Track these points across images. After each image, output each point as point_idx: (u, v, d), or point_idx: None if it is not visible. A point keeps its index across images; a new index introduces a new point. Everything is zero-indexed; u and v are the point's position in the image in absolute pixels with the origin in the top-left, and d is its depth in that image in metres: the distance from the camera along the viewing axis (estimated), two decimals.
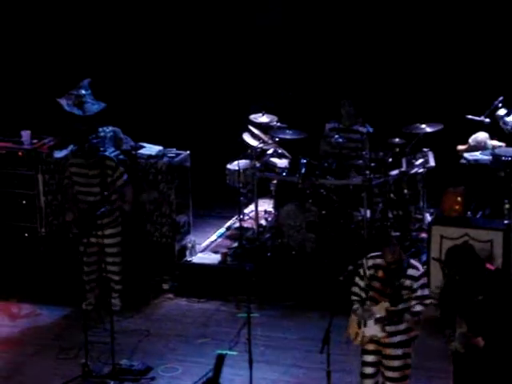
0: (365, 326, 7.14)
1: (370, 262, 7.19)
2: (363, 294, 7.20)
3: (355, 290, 7.26)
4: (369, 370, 7.24)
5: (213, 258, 10.14)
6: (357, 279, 7.26)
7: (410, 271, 7.07)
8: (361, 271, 7.23)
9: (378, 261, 7.16)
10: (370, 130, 10.36)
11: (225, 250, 10.20)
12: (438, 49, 11.29)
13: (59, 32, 12.18)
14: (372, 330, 7.12)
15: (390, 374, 7.19)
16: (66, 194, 9.52)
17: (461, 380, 7.06)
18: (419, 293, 7.04)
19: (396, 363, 7.15)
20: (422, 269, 7.16)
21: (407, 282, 7.06)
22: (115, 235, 9.29)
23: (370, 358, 7.22)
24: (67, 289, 9.58)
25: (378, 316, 7.07)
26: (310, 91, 11.57)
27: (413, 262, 7.18)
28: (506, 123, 9.99)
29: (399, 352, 7.13)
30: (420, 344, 7.98)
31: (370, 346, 7.20)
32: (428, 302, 7.09)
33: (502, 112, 9.98)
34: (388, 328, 7.08)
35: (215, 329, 9.08)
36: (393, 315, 7.03)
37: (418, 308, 7.04)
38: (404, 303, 7.06)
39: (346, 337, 7.30)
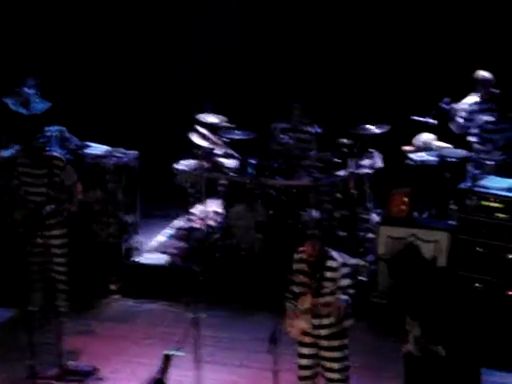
0: (297, 318, 7.20)
1: (297, 257, 7.29)
2: (296, 289, 7.26)
3: (292, 287, 7.30)
4: (304, 362, 7.31)
5: (160, 259, 10.10)
6: (294, 275, 7.32)
7: (329, 262, 7.12)
8: (293, 266, 7.31)
9: (302, 255, 7.25)
10: (318, 130, 10.41)
11: (172, 251, 10.16)
12: (384, 50, 11.38)
13: (2, 31, 12.02)
14: (300, 322, 7.19)
15: (328, 364, 7.25)
16: (14, 194, 9.40)
17: (412, 381, 7.12)
18: (340, 283, 7.08)
19: (333, 354, 7.21)
20: (340, 259, 7.16)
21: (328, 274, 7.11)
22: (62, 236, 9.19)
23: (305, 350, 7.28)
24: (12, 290, 9.46)
25: (303, 308, 7.13)
26: (258, 91, 11.58)
27: (333, 253, 7.20)
28: (456, 115, 10.00)
29: (335, 343, 7.19)
30: (368, 343, 8.07)
31: (306, 339, 7.26)
32: (351, 291, 7.10)
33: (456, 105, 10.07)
34: (319, 321, 7.13)
35: (163, 329, 9.05)
36: (317, 307, 7.07)
37: (344, 297, 7.06)
38: (328, 295, 7.09)
39: (284, 329, 7.32)
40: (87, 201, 9.57)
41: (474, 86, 10.00)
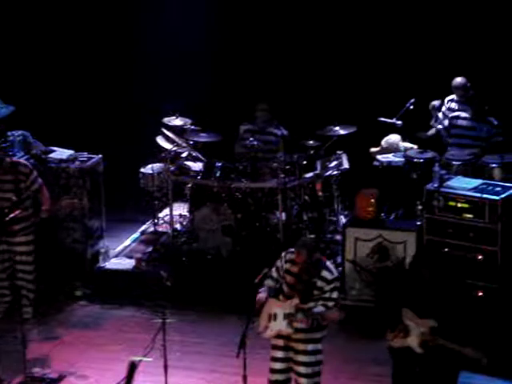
0: (274, 320, 7.16)
1: (288, 257, 7.27)
2: (271, 283, 7.26)
3: (267, 281, 7.30)
4: (277, 366, 7.29)
5: (127, 263, 10.02)
6: (272, 270, 7.31)
7: (324, 273, 7.16)
8: (278, 263, 7.29)
9: (295, 258, 7.22)
10: (285, 132, 10.38)
11: (139, 255, 10.08)
12: (351, 51, 11.38)
13: None
14: (279, 325, 7.15)
15: (300, 369, 7.24)
16: None
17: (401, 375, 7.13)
18: (327, 295, 7.13)
19: (306, 359, 7.20)
20: (336, 273, 7.25)
21: (319, 283, 7.14)
22: (28, 243, 9.09)
23: (278, 354, 7.27)
24: None
25: (286, 312, 7.11)
26: (223, 93, 11.54)
27: (328, 264, 7.26)
28: (433, 118, 10.13)
29: (309, 348, 7.19)
30: (340, 346, 8.06)
31: (280, 342, 7.24)
32: (331, 304, 7.14)
33: (436, 102, 10.12)
34: (295, 324, 7.12)
35: (130, 335, 8.96)
36: (301, 312, 7.07)
37: (320, 308, 7.10)
38: (314, 302, 7.12)
39: (257, 327, 7.29)
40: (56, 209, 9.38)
41: (451, 91, 10.15)
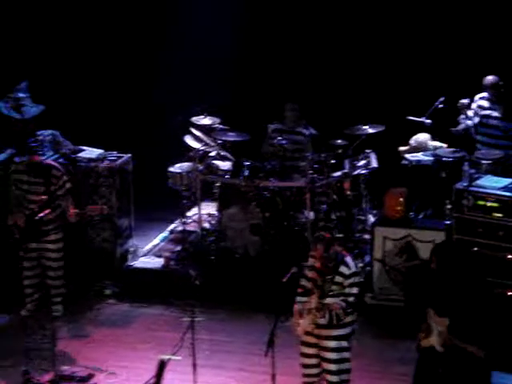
0: (302, 317, 7.24)
1: (311, 253, 7.36)
2: (309, 285, 7.30)
3: (302, 281, 7.35)
4: (307, 361, 7.37)
5: (156, 262, 10.05)
6: (306, 270, 7.37)
7: (342, 268, 7.22)
8: (309, 262, 7.36)
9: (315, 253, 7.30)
10: (313, 131, 10.36)
11: (168, 254, 10.10)
12: (379, 50, 11.35)
13: None
14: (304, 322, 7.23)
15: (326, 365, 7.32)
16: (8, 199, 9.32)
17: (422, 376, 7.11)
18: (347, 290, 7.18)
19: (330, 355, 7.26)
20: (354, 268, 7.28)
21: (337, 278, 7.20)
22: (57, 241, 9.14)
23: (307, 350, 7.35)
24: (6, 295, 9.39)
25: (309, 308, 7.18)
26: (252, 93, 11.54)
27: (348, 259, 7.30)
28: (462, 116, 10.07)
29: (332, 345, 7.23)
30: (367, 345, 8.04)
31: (309, 339, 7.30)
32: (351, 299, 7.18)
33: (465, 100, 10.07)
34: (320, 320, 7.17)
35: (159, 333, 8.99)
36: (321, 307, 7.13)
37: (340, 303, 7.13)
38: (334, 298, 7.16)
39: (291, 325, 7.35)
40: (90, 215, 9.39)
41: (482, 89, 10.07)
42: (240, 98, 11.43)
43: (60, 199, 8.96)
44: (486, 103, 10.10)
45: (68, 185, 9.03)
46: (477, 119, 10.06)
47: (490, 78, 10.05)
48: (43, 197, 8.84)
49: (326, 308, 7.12)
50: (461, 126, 10.16)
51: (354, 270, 7.25)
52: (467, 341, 6.89)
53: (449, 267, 7.09)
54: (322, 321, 7.17)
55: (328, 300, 7.14)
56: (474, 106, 10.16)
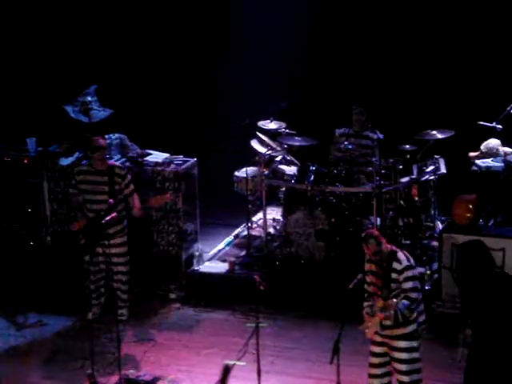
0: (369, 320, 7.24)
1: (366, 257, 7.34)
2: (369, 289, 7.32)
3: (365, 286, 7.37)
4: (375, 361, 7.37)
5: (220, 267, 10.03)
6: (365, 275, 7.38)
7: (394, 264, 7.19)
8: (366, 267, 7.37)
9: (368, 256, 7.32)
10: (381, 136, 10.25)
11: (232, 259, 10.08)
12: (450, 55, 11.22)
13: (64, 38, 12.13)
14: (373, 323, 7.22)
15: (396, 365, 7.31)
16: (71, 203, 9.40)
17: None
18: (403, 286, 7.14)
19: (401, 355, 7.24)
20: (406, 262, 7.20)
21: (393, 275, 7.18)
22: (122, 244, 9.18)
23: (376, 349, 7.35)
24: (72, 298, 9.47)
25: (375, 310, 7.18)
26: (319, 97, 11.48)
27: (399, 255, 7.24)
28: None
29: (402, 344, 7.21)
30: (436, 354, 7.90)
31: (377, 338, 7.30)
32: (414, 295, 7.12)
33: None
34: (386, 322, 7.15)
35: (223, 338, 8.97)
36: (384, 308, 7.11)
37: (404, 302, 7.09)
38: (395, 297, 7.13)
39: (361, 329, 7.33)
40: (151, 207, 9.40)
41: None
42: (307, 102, 11.37)
43: (126, 198, 8.99)
44: None
45: (132, 185, 9.06)
46: None
47: None
48: (110, 200, 8.88)
49: (389, 308, 7.07)
50: None
51: (406, 263, 7.16)
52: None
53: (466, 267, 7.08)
54: (388, 322, 7.13)
55: (390, 301, 7.10)
56: None
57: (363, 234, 7.33)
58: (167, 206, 9.75)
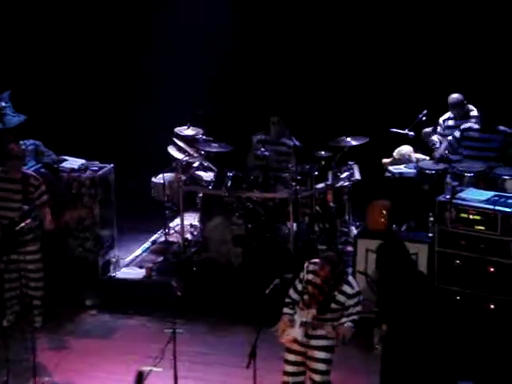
0: (292, 326, 7.25)
1: (311, 267, 7.32)
2: (296, 297, 7.32)
3: (290, 291, 7.38)
4: (289, 369, 7.38)
5: (137, 273, 10.01)
6: (296, 281, 7.38)
7: (345, 287, 7.24)
8: (301, 274, 7.35)
9: (318, 270, 7.26)
10: (297, 143, 10.37)
11: (150, 265, 10.06)
12: (362, 61, 11.38)
13: None
14: (296, 332, 7.24)
15: (312, 376, 7.34)
16: None
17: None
18: (351, 310, 7.23)
19: (319, 366, 7.29)
20: (357, 288, 7.32)
21: (339, 297, 7.23)
22: (36, 252, 9.08)
23: (291, 357, 7.35)
24: None
25: (303, 320, 7.19)
26: (236, 104, 11.54)
27: (351, 279, 7.35)
28: (432, 142, 10.19)
29: (322, 355, 7.27)
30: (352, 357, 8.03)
31: (294, 346, 7.32)
32: (357, 317, 7.24)
33: (428, 129, 10.15)
34: (311, 331, 7.21)
35: (140, 345, 8.93)
36: (317, 323, 7.18)
37: (349, 324, 7.20)
38: (331, 314, 7.20)
39: (275, 330, 7.35)
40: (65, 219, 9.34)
41: (448, 108, 10.15)
42: (224, 109, 11.42)
43: (37, 209, 8.90)
44: (452, 122, 10.17)
45: (45, 196, 8.96)
46: (458, 133, 10.03)
47: (454, 97, 10.13)
48: (24, 206, 8.78)
49: (323, 325, 7.14)
50: (440, 151, 10.13)
51: (357, 289, 7.29)
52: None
53: (387, 268, 7.25)
54: (319, 332, 7.19)
55: (329, 316, 7.14)
56: (439, 129, 10.23)
57: (325, 255, 7.37)
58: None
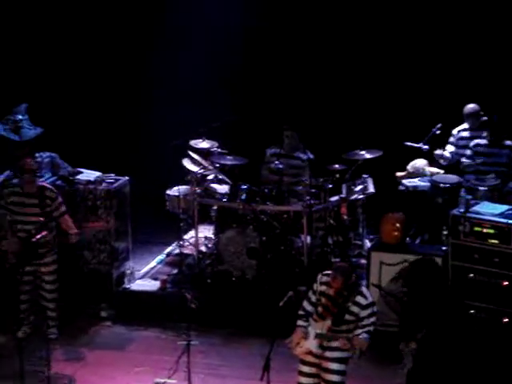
0: (306, 338, 7.27)
1: (324, 279, 7.34)
2: (310, 308, 7.34)
3: (304, 303, 7.40)
4: (304, 380, 7.39)
5: (152, 285, 10.04)
6: (309, 293, 7.41)
7: (359, 298, 7.25)
8: (314, 286, 7.38)
9: (331, 281, 7.27)
10: (311, 156, 10.39)
11: (164, 277, 10.10)
12: (377, 76, 11.41)
13: None
14: (310, 343, 7.25)
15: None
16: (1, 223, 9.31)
17: None
18: (365, 321, 7.22)
19: (333, 378, 7.29)
20: (370, 299, 7.32)
21: (353, 308, 7.24)
22: (52, 263, 9.13)
23: (305, 369, 7.36)
24: (1, 317, 9.37)
25: (318, 332, 7.20)
26: (250, 117, 11.57)
27: (364, 290, 7.36)
28: (443, 158, 10.21)
29: (335, 367, 7.27)
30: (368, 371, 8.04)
31: (309, 358, 7.32)
32: (372, 329, 7.24)
33: (439, 151, 10.17)
34: (326, 343, 7.22)
35: (154, 357, 8.96)
36: (332, 335, 7.19)
37: (364, 335, 7.21)
38: (346, 325, 7.20)
39: (288, 342, 7.36)
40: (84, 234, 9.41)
41: (463, 118, 10.16)
42: (239, 122, 11.46)
43: (56, 220, 8.96)
44: (466, 133, 10.18)
45: (63, 207, 9.03)
46: (469, 151, 10.05)
47: (469, 107, 10.14)
48: (41, 218, 8.84)
49: (338, 337, 7.15)
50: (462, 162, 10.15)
51: (370, 300, 7.29)
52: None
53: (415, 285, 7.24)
54: (334, 344, 7.19)
55: (344, 327, 7.14)
56: (451, 139, 10.24)
57: (337, 265, 7.38)
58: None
